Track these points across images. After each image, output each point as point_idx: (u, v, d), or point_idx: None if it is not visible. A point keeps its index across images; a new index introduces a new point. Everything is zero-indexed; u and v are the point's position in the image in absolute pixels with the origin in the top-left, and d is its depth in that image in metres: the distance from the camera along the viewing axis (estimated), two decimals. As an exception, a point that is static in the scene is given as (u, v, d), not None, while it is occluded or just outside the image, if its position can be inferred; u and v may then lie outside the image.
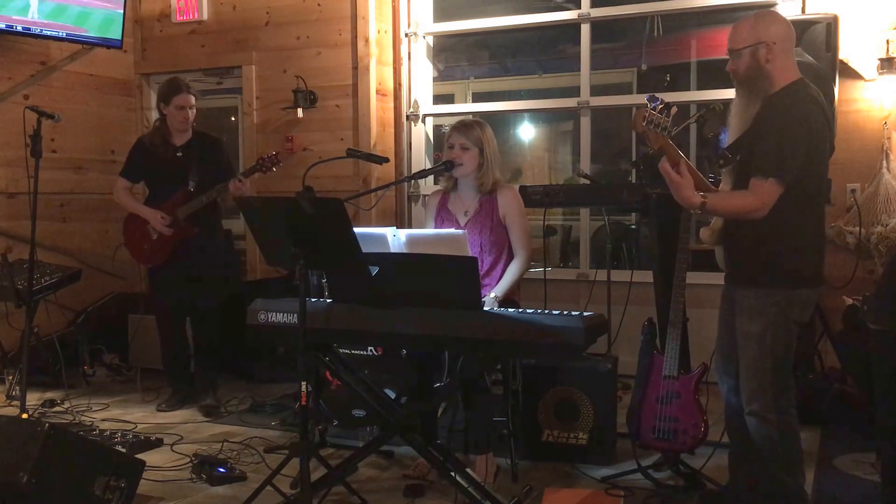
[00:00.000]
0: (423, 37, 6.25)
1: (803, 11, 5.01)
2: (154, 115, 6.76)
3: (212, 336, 4.98)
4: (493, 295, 3.59)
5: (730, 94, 3.15)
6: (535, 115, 8.25)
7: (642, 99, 6.89)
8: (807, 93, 2.91)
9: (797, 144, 2.80)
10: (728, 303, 3.14)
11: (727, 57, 3.01)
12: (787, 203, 2.82)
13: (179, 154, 4.87)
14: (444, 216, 3.91)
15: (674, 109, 2.80)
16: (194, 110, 4.91)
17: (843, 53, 4.72)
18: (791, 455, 3.01)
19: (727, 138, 3.06)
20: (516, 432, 3.83)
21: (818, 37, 4.53)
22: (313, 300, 3.32)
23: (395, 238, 3.30)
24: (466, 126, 3.82)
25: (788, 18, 4.74)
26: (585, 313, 2.86)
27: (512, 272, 3.74)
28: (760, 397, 2.96)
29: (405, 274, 3.00)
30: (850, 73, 4.84)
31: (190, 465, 3.81)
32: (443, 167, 3.82)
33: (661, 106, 2.80)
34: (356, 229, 2.93)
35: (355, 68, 6.00)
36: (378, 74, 6.02)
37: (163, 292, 4.98)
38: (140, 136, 5.02)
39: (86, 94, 6.32)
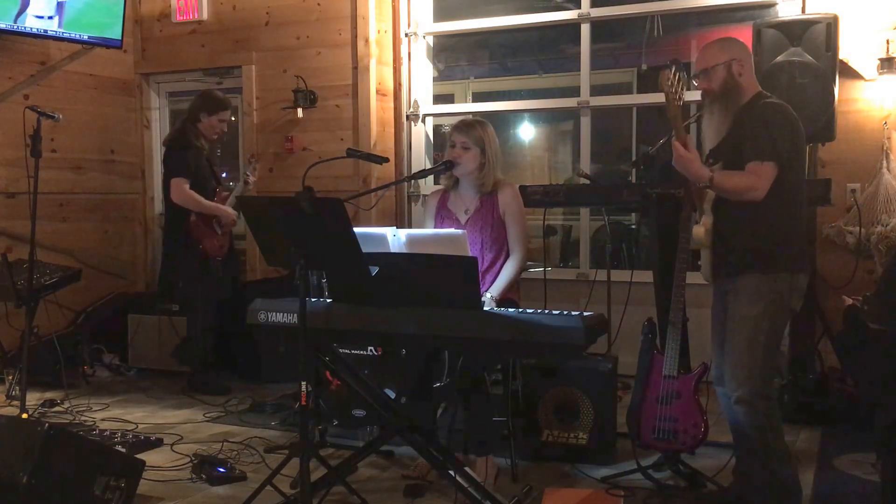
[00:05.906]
0: (423, 37, 6.25)
1: (803, 11, 5.01)
2: (156, 114, 6.79)
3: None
4: (489, 295, 3.58)
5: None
6: (535, 115, 8.23)
7: (642, 99, 6.88)
8: (774, 98, 3.19)
9: (784, 133, 3.01)
10: (721, 298, 3.22)
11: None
12: (774, 195, 2.99)
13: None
14: (444, 215, 3.90)
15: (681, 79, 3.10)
16: None
17: (843, 53, 4.72)
18: (779, 443, 3.08)
19: (703, 147, 3.25)
20: (516, 432, 3.82)
21: (818, 37, 4.54)
22: (313, 300, 3.32)
23: (395, 238, 3.30)
24: (467, 125, 3.82)
25: (789, 19, 4.80)
26: (585, 313, 2.86)
27: (508, 271, 3.73)
28: (749, 382, 3.03)
29: (405, 274, 2.99)
30: (850, 73, 4.84)
31: (190, 465, 3.81)
32: (442, 167, 3.82)
33: (675, 71, 3.06)
34: (356, 229, 2.93)
35: (355, 68, 6.00)
36: (378, 74, 6.02)
37: (217, 284, 5.35)
38: (187, 140, 5.22)
39: (86, 94, 6.32)
